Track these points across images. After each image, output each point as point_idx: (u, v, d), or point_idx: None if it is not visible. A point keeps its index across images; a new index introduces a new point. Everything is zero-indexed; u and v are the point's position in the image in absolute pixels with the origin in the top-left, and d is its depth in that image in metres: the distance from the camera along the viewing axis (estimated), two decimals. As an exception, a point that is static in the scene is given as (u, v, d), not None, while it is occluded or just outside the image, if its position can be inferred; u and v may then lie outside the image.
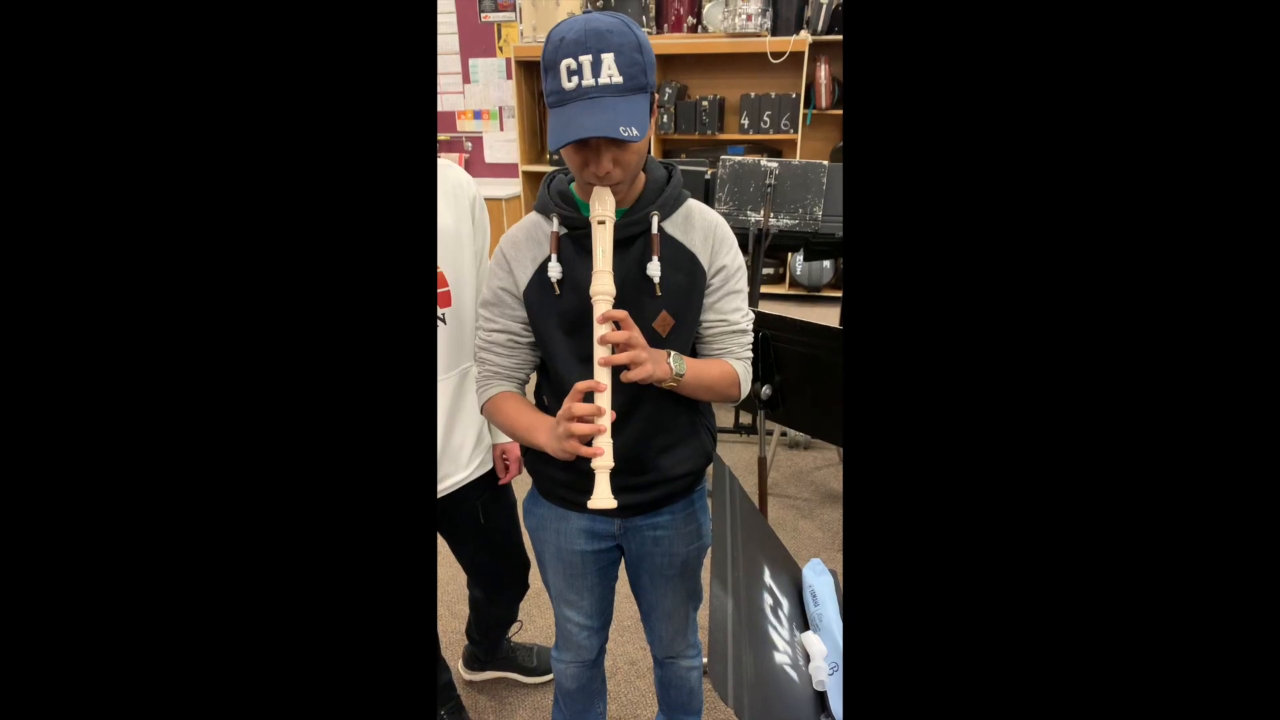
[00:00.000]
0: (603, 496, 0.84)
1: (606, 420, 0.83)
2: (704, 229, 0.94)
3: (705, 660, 1.34)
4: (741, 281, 0.98)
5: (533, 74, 4.09)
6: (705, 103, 3.86)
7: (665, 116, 3.91)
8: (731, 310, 0.97)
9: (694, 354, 1.00)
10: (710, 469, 1.06)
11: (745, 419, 2.71)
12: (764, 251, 2.27)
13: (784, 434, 2.70)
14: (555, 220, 0.92)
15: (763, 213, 2.23)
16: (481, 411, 1.03)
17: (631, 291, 0.91)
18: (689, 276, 0.93)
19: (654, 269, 0.90)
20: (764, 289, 3.80)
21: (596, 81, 0.78)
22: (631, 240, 0.91)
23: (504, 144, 4.45)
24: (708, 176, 2.36)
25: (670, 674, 1.24)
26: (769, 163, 2.23)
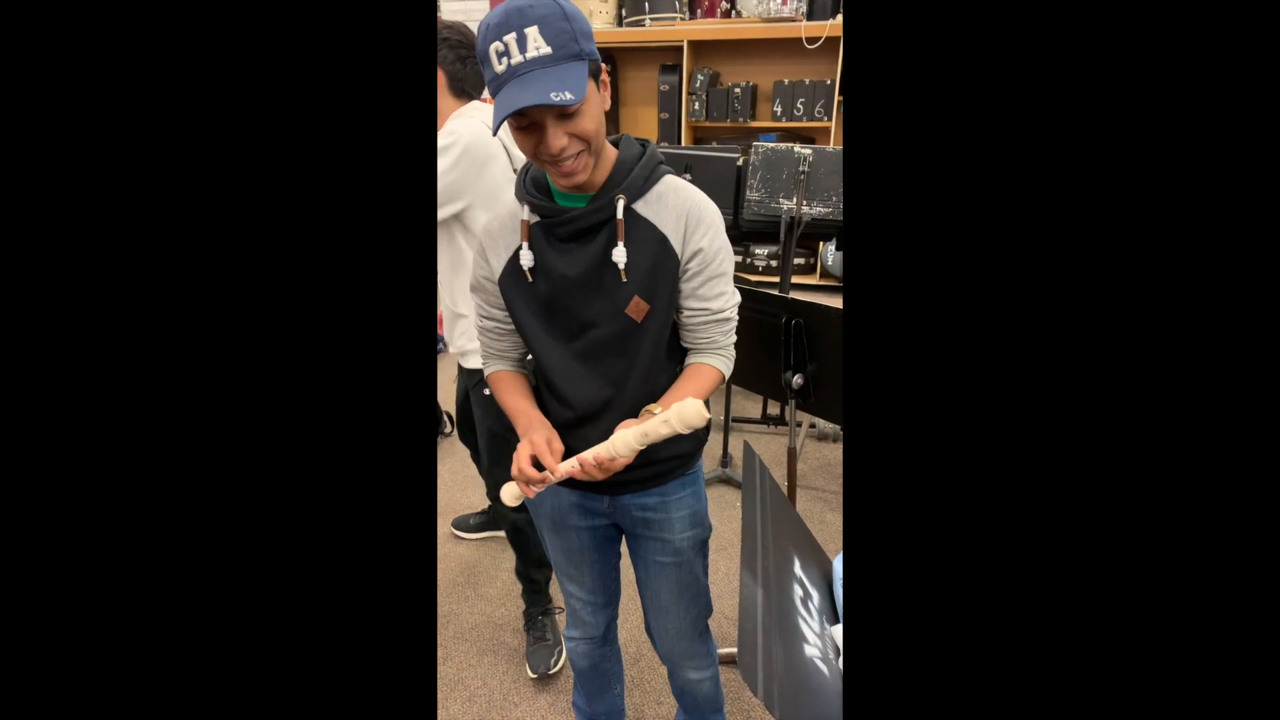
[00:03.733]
0: (508, 494, 0.93)
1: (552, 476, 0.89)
2: (678, 208, 0.89)
3: (733, 649, 1.33)
4: (725, 264, 0.93)
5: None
6: (737, 90, 3.80)
7: (697, 104, 3.87)
8: (715, 296, 0.93)
9: (674, 338, 0.97)
10: (735, 457, 1.04)
11: (773, 409, 2.68)
12: (796, 240, 2.23)
13: (812, 425, 2.66)
14: (526, 209, 0.91)
15: (795, 201, 2.19)
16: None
17: (604, 278, 0.90)
18: (658, 258, 0.89)
19: (619, 254, 0.87)
20: (795, 279, 3.75)
21: (525, 57, 0.76)
22: (599, 227, 0.89)
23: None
24: (739, 163, 2.33)
25: (679, 682, 1.21)
26: (802, 149, 2.19)
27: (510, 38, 0.75)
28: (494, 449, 1.53)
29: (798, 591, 0.85)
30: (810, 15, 3.47)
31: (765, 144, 2.27)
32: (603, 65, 0.85)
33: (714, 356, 0.97)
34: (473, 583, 1.93)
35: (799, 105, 3.72)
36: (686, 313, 0.94)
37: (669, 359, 0.98)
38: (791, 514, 1.04)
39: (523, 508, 1.54)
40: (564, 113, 0.79)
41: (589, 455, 0.86)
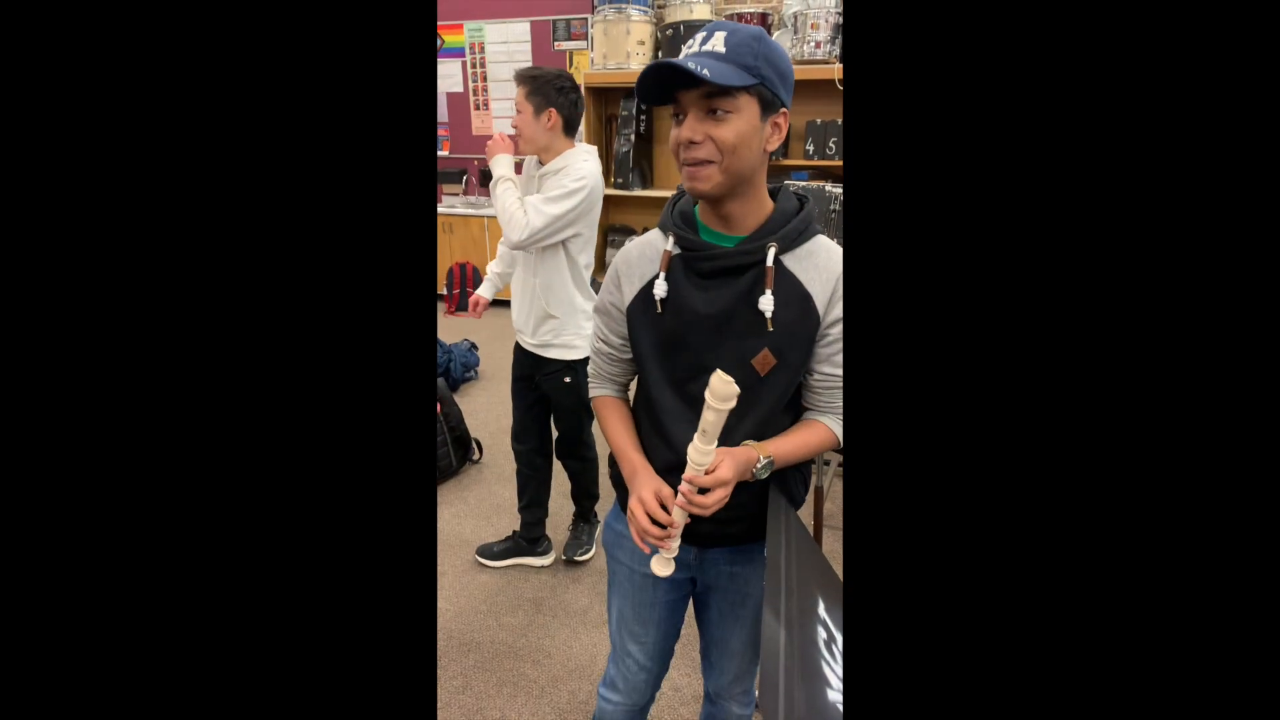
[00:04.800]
0: (659, 565, 0.92)
1: (677, 535, 0.88)
2: (828, 270, 0.87)
3: (756, 693, 1.31)
4: None
5: (602, 100, 4.18)
6: (770, 128, 3.85)
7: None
8: None
9: (795, 398, 0.95)
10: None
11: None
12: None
13: (841, 465, 2.62)
14: (670, 239, 0.90)
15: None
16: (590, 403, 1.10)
17: (737, 323, 0.87)
18: (800, 317, 0.87)
19: (766, 303, 0.85)
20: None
21: (699, 50, 0.79)
22: (744, 269, 0.87)
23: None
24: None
25: (718, 714, 1.18)
26: (834, 188, 2.20)
27: (699, 36, 0.80)
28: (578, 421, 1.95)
29: (822, 634, 0.83)
30: (843, 58, 3.52)
31: (797, 181, 2.30)
32: (785, 111, 0.84)
33: (831, 419, 0.95)
34: (494, 611, 1.93)
35: (831, 144, 3.76)
36: (818, 376, 0.92)
37: (783, 418, 0.95)
38: (817, 554, 1.03)
39: (525, 456, 2.02)
40: (711, 109, 0.79)
41: (683, 486, 0.84)
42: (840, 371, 0.91)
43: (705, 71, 0.76)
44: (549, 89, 1.71)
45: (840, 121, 3.70)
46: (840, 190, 2.20)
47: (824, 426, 0.94)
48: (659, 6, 3.86)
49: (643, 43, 3.89)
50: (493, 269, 2.04)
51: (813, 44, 3.45)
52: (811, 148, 3.80)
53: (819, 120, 3.74)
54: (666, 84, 0.80)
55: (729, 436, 0.90)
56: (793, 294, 0.87)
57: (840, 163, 3.72)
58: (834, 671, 0.80)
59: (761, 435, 0.92)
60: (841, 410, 0.94)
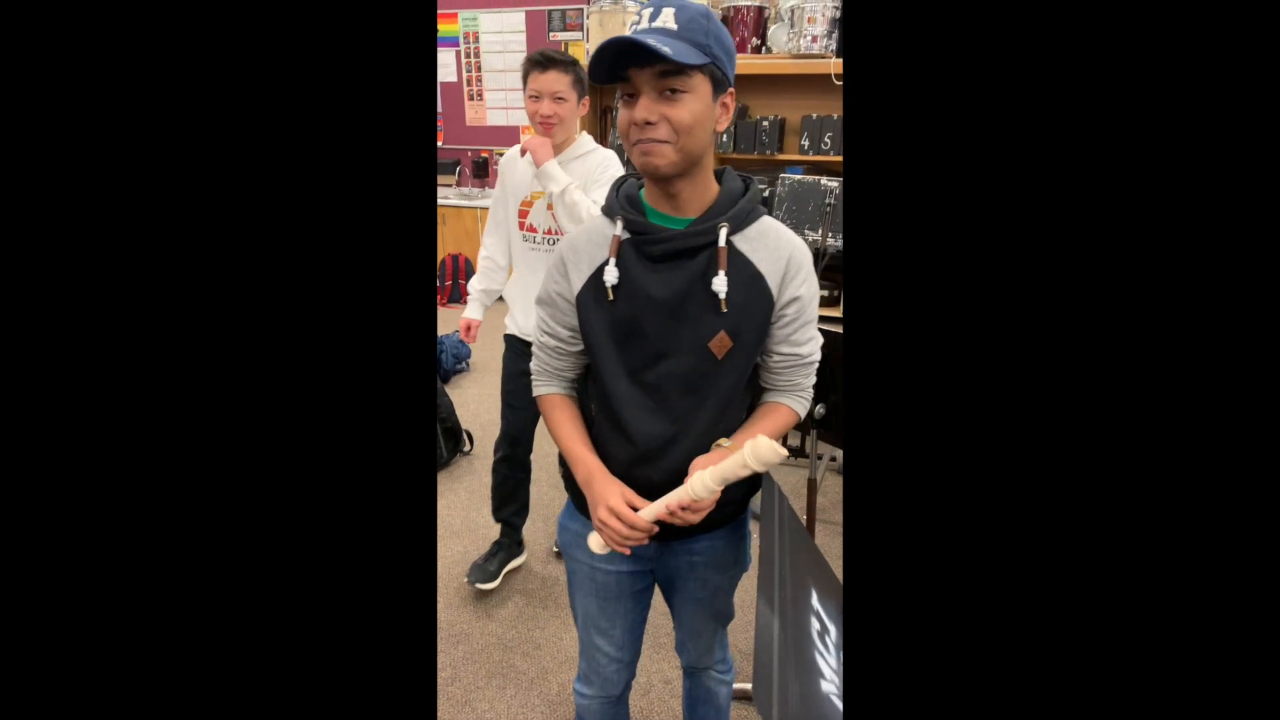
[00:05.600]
0: (597, 543, 0.91)
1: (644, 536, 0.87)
2: (778, 250, 0.87)
3: (750, 685, 1.30)
4: (814, 309, 0.92)
5: (597, 92, 4.16)
6: (766, 123, 3.85)
7: (724, 135, 3.91)
8: (805, 341, 0.92)
9: (752, 378, 0.95)
10: (758, 494, 1.03)
11: (793, 441, 2.65)
12: (821, 272, 2.23)
13: (833, 459, 2.63)
14: (619, 224, 0.87)
15: (821, 232, 2.19)
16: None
17: (692, 307, 0.86)
18: (753, 297, 0.87)
19: (720, 284, 0.84)
20: (820, 311, 3.73)
21: (649, 25, 0.77)
22: (696, 251, 0.85)
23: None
24: (766, 194, 2.34)
25: (699, 686, 1.20)
26: (829, 182, 2.20)
27: (646, 12, 0.78)
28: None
29: (815, 625, 0.83)
30: (839, 52, 3.52)
31: (792, 175, 2.29)
32: (731, 91, 0.84)
33: (792, 398, 0.95)
34: (484, 603, 1.92)
35: (826, 139, 3.75)
36: (776, 358, 0.92)
37: (742, 403, 0.95)
38: (810, 545, 1.03)
39: (522, 460, 1.86)
40: (665, 89, 0.78)
41: (673, 502, 0.83)
42: (799, 350, 0.92)
43: (666, 49, 0.74)
44: (583, 75, 1.63)
45: (835, 116, 3.69)
46: (835, 184, 2.19)
47: (785, 408, 0.95)
48: (655, -2, 3.84)
49: (639, 34, 3.86)
50: (476, 286, 1.86)
51: (809, 38, 3.44)
52: (807, 142, 3.80)
53: (814, 115, 3.74)
54: (620, 61, 0.77)
55: (686, 422, 0.90)
56: (745, 274, 0.86)
57: (835, 158, 3.72)
58: (827, 662, 0.79)
59: (720, 420, 0.91)
60: (801, 388, 0.95)
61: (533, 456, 1.93)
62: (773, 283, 0.87)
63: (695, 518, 0.84)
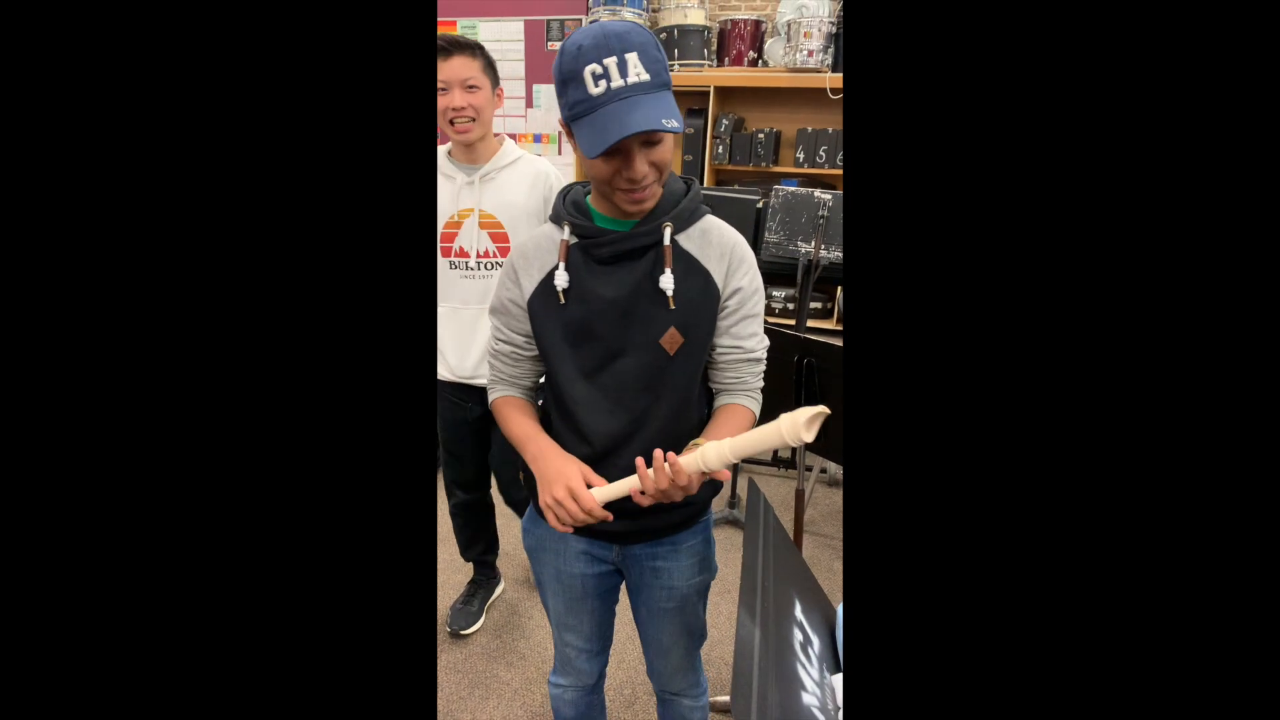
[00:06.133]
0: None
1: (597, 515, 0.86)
2: (720, 246, 0.90)
3: (728, 697, 1.29)
4: (758, 305, 0.94)
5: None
6: (761, 135, 3.87)
7: (720, 147, 3.93)
8: (748, 336, 0.93)
9: (704, 378, 0.96)
10: (743, 498, 1.02)
11: (783, 452, 2.64)
12: (813, 284, 2.23)
13: (823, 470, 2.62)
14: (567, 229, 0.90)
15: (814, 244, 2.20)
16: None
17: (642, 305, 0.88)
18: (702, 294, 0.89)
19: (666, 281, 0.86)
20: (811, 323, 3.74)
21: (626, 81, 0.76)
22: (643, 251, 0.88)
23: (561, 167, 4.54)
24: (759, 206, 2.35)
25: (671, 712, 1.17)
26: (822, 194, 2.21)
27: (611, 61, 0.76)
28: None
29: (798, 636, 0.82)
30: (835, 67, 3.54)
31: (786, 187, 2.30)
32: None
33: (745, 397, 0.95)
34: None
35: (821, 153, 3.77)
36: (719, 350, 0.93)
37: (699, 401, 0.96)
38: (795, 556, 1.02)
39: (481, 500, 1.73)
40: (649, 140, 0.80)
41: (664, 466, 0.81)
42: (742, 344, 0.93)
43: (673, 124, 0.77)
44: (493, 60, 1.41)
45: (831, 130, 3.72)
46: (829, 196, 2.20)
47: (743, 409, 0.94)
48: (653, 10, 3.87)
49: (636, 45, 3.89)
50: None
51: (805, 52, 3.47)
52: (802, 155, 3.82)
53: (810, 128, 3.76)
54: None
55: (643, 419, 0.91)
56: (692, 271, 0.89)
57: (830, 170, 3.74)
58: (809, 674, 0.78)
59: (676, 420, 0.92)
60: (749, 385, 0.95)
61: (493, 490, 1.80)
62: (718, 277, 0.90)
63: (678, 495, 0.83)
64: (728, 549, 2.16)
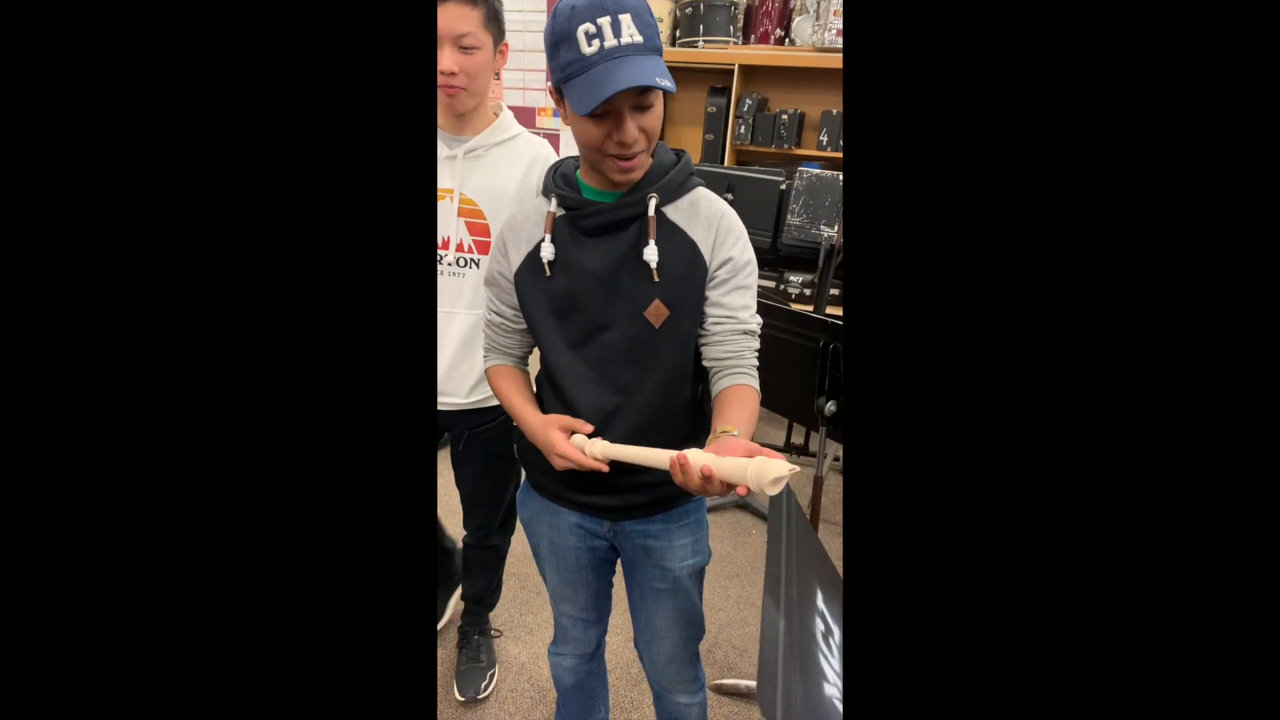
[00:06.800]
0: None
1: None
2: (708, 218, 0.88)
3: (733, 680, 1.29)
4: (751, 278, 0.91)
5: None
6: (785, 116, 3.80)
7: (743, 127, 3.87)
8: (740, 307, 0.90)
9: (696, 354, 0.93)
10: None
11: (797, 438, 2.62)
12: (834, 269, 2.20)
13: (836, 459, 2.60)
14: (554, 201, 0.90)
15: (837, 229, 2.16)
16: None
17: (626, 277, 0.87)
18: (688, 267, 0.87)
19: (650, 253, 0.85)
20: (830, 310, 3.71)
21: (619, 41, 0.76)
22: (628, 222, 0.87)
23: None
24: (783, 187, 2.31)
25: (667, 708, 1.16)
26: (849, 178, 2.16)
27: (604, 21, 0.75)
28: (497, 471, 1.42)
29: (819, 626, 0.81)
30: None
31: (811, 170, 2.26)
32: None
33: (747, 376, 0.91)
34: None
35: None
36: (711, 320, 0.90)
37: (692, 379, 0.94)
38: (816, 544, 1.00)
39: (487, 542, 1.53)
40: (640, 105, 0.79)
41: (663, 460, 0.79)
42: (735, 314, 0.89)
43: (667, 83, 0.75)
44: (499, 10, 1.11)
45: (856, 113, 3.64)
46: (855, 180, 2.16)
47: (747, 389, 0.90)
48: (680, -16, 3.79)
49: (662, 20, 3.82)
50: None
51: (834, 31, 3.39)
52: (825, 138, 3.75)
53: (835, 110, 3.69)
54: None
55: (631, 394, 0.91)
56: (679, 244, 0.87)
57: (853, 155, 3.67)
58: (830, 665, 0.77)
59: (665, 395, 0.91)
60: (745, 360, 0.91)
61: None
62: (705, 250, 0.88)
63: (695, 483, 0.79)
64: (737, 533, 2.16)
